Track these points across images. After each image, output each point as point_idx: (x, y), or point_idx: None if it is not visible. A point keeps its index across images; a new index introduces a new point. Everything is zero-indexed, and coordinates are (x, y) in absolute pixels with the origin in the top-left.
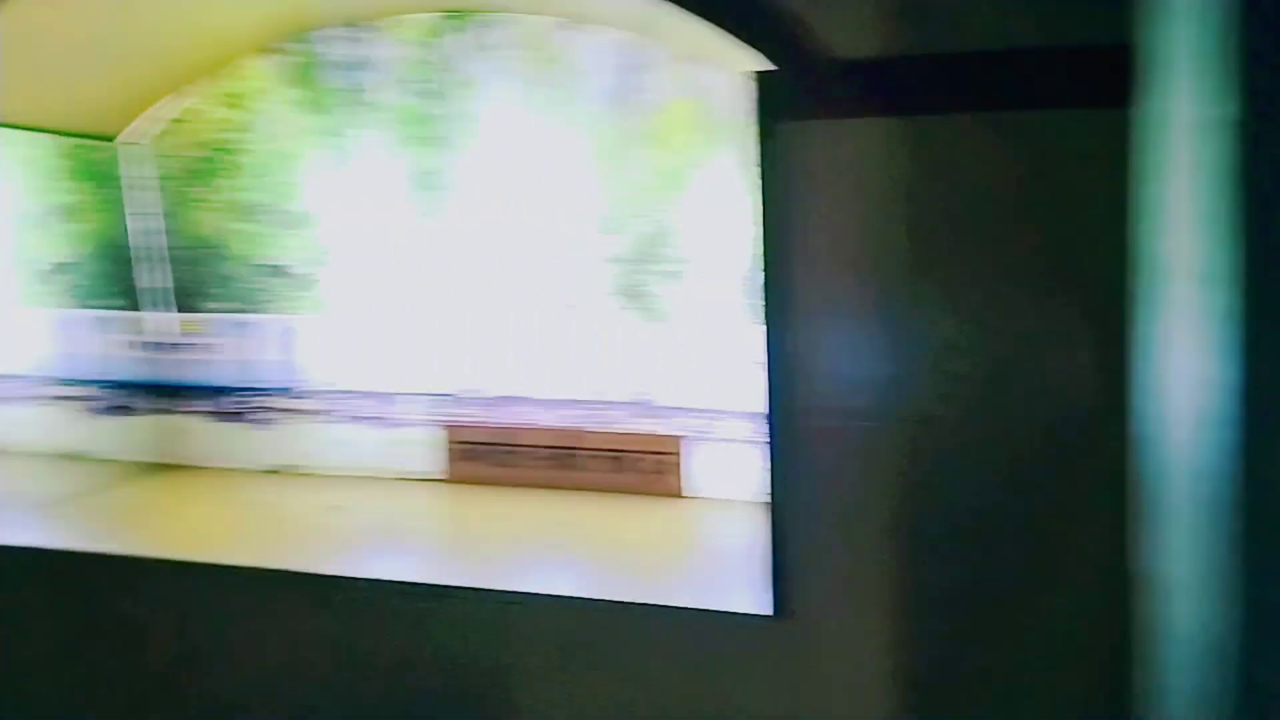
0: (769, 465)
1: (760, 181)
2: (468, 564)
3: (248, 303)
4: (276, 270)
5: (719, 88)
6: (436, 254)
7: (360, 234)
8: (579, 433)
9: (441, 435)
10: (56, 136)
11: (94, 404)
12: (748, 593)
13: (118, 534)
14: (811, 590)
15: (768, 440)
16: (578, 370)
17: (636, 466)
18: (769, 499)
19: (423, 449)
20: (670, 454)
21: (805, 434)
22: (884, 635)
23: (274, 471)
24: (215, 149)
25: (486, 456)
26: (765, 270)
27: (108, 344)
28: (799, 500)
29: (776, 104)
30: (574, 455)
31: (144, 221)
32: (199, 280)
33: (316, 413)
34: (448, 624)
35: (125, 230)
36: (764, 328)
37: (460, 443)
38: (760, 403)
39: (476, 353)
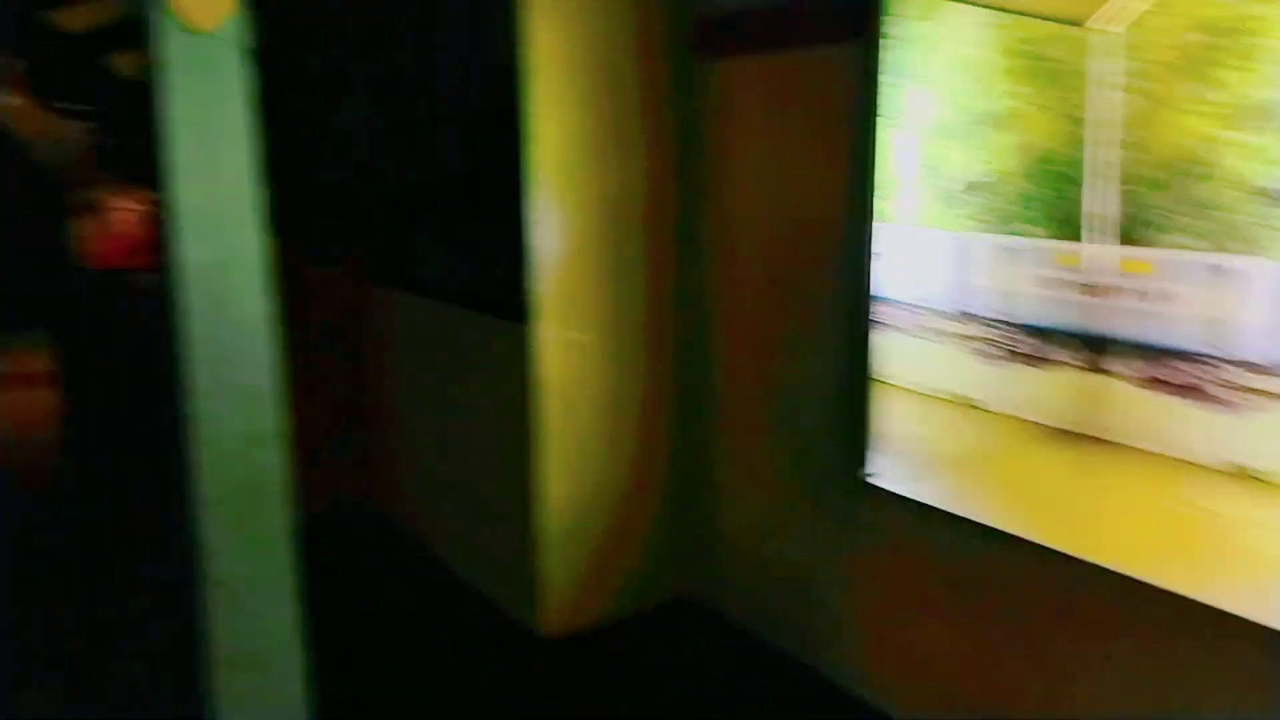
0: None
1: None
2: None
3: (1227, 240)
4: None
5: None
6: None
7: None
8: None
9: None
10: (1017, 21)
11: (993, 347)
12: None
13: (1019, 512)
14: None
15: None
16: None
17: None
18: None
19: None
20: None
21: None
22: None
23: (1239, 473)
24: (1216, 31)
25: None
26: None
27: (1020, 278)
28: None
29: None
30: None
31: (1098, 131)
32: (1160, 206)
33: None
34: None
35: (1068, 141)
36: None
37: None
38: None
39: None
